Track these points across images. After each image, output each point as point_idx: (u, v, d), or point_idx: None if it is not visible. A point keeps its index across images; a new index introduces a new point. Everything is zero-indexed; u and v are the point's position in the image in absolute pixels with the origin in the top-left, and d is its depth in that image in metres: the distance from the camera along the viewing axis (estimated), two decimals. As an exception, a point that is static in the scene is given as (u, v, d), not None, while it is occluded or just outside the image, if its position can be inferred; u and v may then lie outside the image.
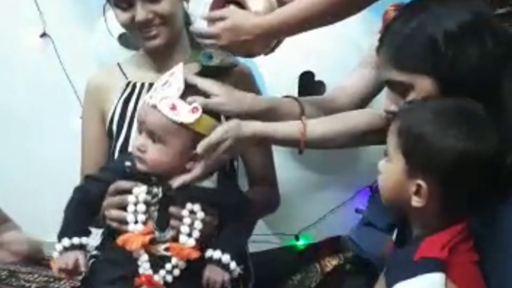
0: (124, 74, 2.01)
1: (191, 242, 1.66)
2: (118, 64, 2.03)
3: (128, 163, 1.71)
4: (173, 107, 1.63)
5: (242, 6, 1.74)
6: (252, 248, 2.02)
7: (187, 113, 1.63)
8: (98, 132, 2.01)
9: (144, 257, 1.66)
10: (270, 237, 2.43)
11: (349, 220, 2.38)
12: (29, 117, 2.72)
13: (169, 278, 1.66)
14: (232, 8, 1.72)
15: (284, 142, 1.73)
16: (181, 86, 1.64)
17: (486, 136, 1.42)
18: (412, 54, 1.53)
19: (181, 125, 1.64)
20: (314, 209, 2.27)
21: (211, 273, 1.65)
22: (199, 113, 1.64)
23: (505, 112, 1.50)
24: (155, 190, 1.68)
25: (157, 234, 1.67)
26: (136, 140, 1.69)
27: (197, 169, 1.66)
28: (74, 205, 1.73)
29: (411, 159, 1.44)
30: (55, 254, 1.68)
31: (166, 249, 1.66)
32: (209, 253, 1.66)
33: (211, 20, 1.71)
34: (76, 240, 1.67)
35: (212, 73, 1.72)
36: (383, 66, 1.59)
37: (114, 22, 1.99)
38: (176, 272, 1.66)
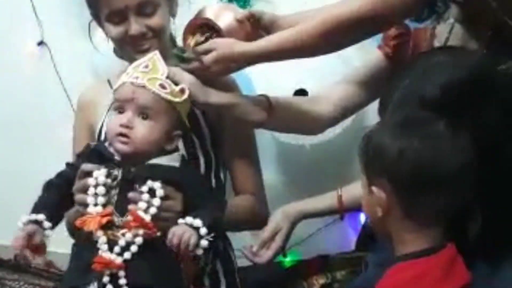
0: (112, 88, 2.01)
1: (147, 217, 1.62)
2: (108, 81, 2.03)
3: (93, 143, 1.74)
4: (163, 87, 1.67)
5: (212, 28, 1.78)
6: (239, 262, 2.02)
7: (176, 92, 1.68)
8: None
9: (103, 239, 1.61)
10: (258, 252, 2.44)
11: (338, 238, 2.39)
12: (23, 124, 2.75)
13: (127, 256, 1.61)
14: (215, 40, 1.73)
15: (326, 213, 1.95)
16: (165, 70, 1.69)
17: (440, 151, 1.39)
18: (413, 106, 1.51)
19: (171, 103, 1.67)
20: (303, 226, 2.26)
21: (177, 229, 1.60)
22: (186, 94, 1.69)
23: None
24: (115, 172, 1.66)
25: (116, 219, 1.64)
26: (117, 120, 1.67)
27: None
28: (45, 187, 1.73)
29: (368, 171, 1.45)
30: (16, 233, 1.66)
31: (123, 227, 1.63)
32: (179, 220, 1.62)
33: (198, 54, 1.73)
34: (32, 216, 1.66)
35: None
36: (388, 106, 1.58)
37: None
38: (134, 248, 1.61)
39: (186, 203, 1.67)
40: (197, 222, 1.60)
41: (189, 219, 1.60)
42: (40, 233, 1.66)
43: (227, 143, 1.95)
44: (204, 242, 1.60)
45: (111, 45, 1.99)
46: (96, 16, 1.95)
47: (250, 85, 2.27)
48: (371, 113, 1.86)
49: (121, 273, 1.60)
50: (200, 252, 1.61)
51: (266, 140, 2.25)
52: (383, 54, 1.86)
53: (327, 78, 2.04)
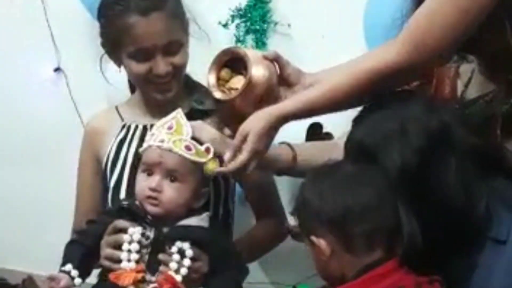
0: (120, 116, 2.04)
1: (178, 277, 1.67)
2: (116, 107, 2.05)
3: (125, 202, 1.78)
4: (189, 148, 1.70)
5: (239, 61, 1.72)
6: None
7: (201, 153, 1.71)
8: (93, 178, 2.03)
9: None
10: (267, 286, 2.42)
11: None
12: (38, 150, 2.76)
13: None
14: (246, 122, 1.64)
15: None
16: (189, 130, 1.72)
17: (351, 185, 1.51)
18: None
19: (197, 164, 1.71)
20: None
21: None
22: (211, 153, 1.71)
23: None
24: (147, 232, 1.71)
25: (147, 277, 1.68)
26: (146, 182, 1.72)
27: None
28: (70, 245, 1.78)
29: (304, 226, 1.55)
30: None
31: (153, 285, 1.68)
32: None
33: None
34: (67, 267, 1.71)
35: (201, 115, 1.83)
36: None
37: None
38: None
39: (210, 263, 1.72)
40: None
41: None
42: (68, 280, 1.69)
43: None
44: None
45: (123, 75, 1.99)
46: (114, 51, 1.94)
47: None
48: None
49: None
50: None
51: None
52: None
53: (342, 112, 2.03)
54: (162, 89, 1.92)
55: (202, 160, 1.71)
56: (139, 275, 1.67)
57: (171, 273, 1.67)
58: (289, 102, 1.65)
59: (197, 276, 1.70)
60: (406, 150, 1.49)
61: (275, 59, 1.73)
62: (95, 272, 1.82)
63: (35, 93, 2.78)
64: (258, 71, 1.68)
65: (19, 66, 2.79)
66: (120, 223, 1.72)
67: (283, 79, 1.74)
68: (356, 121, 1.62)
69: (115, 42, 1.93)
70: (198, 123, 1.74)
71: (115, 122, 2.02)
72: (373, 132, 1.54)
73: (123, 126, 2.01)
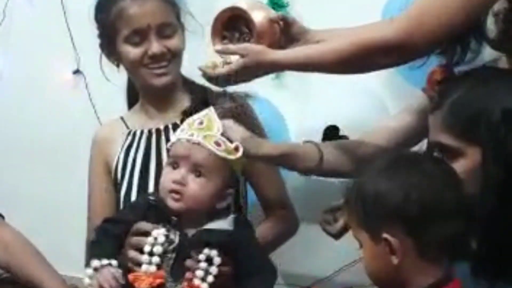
0: (126, 125, 2.05)
1: (205, 285, 1.64)
2: (121, 117, 2.07)
3: (152, 198, 1.74)
4: (218, 144, 1.68)
5: (241, 18, 1.76)
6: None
7: (231, 150, 1.68)
8: (104, 185, 2.03)
9: None
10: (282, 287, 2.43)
11: (363, 275, 2.37)
12: (57, 152, 2.78)
13: None
14: (246, 46, 1.72)
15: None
16: (220, 126, 1.69)
17: (437, 185, 1.42)
18: (465, 122, 1.54)
19: (226, 161, 1.68)
20: (327, 263, 2.26)
21: None
22: (240, 151, 1.69)
23: None
24: (172, 236, 1.68)
25: (169, 284, 1.66)
26: (170, 176, 1.69)
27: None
28: (97, 243, 1.74)
29: (369, 223, 1.43)
30: (86, 281, 1.68)
31: None
32: None
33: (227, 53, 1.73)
34: (105, 261, 1.68)
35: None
36: (434, 128, 1.61)
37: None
38: None
39: (237, 267, 1.69)
40: None
41: None
42: (113, 271, 1.67)
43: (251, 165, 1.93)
44: None
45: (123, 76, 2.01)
46: (111, 43, 1.98)
47: (282, 122, 2.30)
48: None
49: None
50: None
51: (294, 174, 2.23)
52: (427, 97, 1.81)
53: (358, 116, 2.05)
54: (158, 73, 1.94)
55: (231, 157, 1.68)
56: (157, 281, 1.64)
57: (197, 281, 1.63)
58: (288, 51, 1.71)
59: (222, 282, 1.67)
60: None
61: (281, 19, 1.77)
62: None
63: (54, 95, 2.79)
64: (259, 15, 1.74)
65: (38, 70, 2.80)
66: (143, 225, 1.70)
67: (289, 36, 1.79)
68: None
69: (111, 31, 1.97)
70: (230, 122, 1.73)
71: (121, 131, 2.04)
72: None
73: (129, 133, 2.03)
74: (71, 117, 2.76)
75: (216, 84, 1.74)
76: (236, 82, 1.72)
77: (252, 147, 1.71)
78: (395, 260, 1.40)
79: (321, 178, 2.29)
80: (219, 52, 1.75)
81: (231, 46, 1.73)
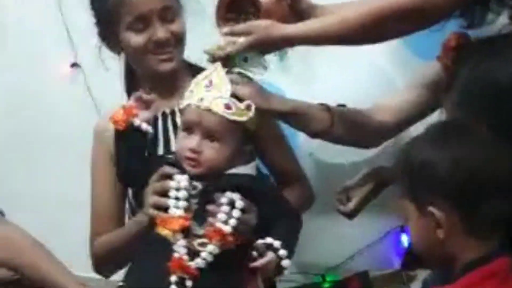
0: None
1: (227, 228, 1.64)
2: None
3: (170, 156, 1.75)
4: (228, 107, 1.66)
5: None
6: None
7: (242, 111, 1.67)
8: (109, 175, 1.98)
9: (182, 242, 1.64)
10: (295, 275, 2.39)
11: (378, 258, 2.33)
12: (55, 147, 2.77)
13: (201, 264, 1.64)
14: (252, 23, 1.69)
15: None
16: (229, 87, 1.68)
17: (490, 155, 1.35)
18: (478, 98, 1.50)
19: (237, 123, 1.67)
20: (342, 248, 2.23)
21: (263, 259, 1.66)
22: (252, 110, 1.68)
23: None
24: (194, 182, 1.68)
25: (194, 228, 1.66)
26: (185, 142, 1.69)
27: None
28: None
29: (417, 193, 1.37)
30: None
31: (203, 236, 1.65)
32: (259, 241, 1.66)
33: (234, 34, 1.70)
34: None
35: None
36: (449, 108, 1.58)
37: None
38: (209, 258, 1.64)
39: (260, 211, 1.69)
40: (277, 243, 1.66)
41: (269, 240, 1.66)
42: None
43: (260, 138, 1.91)
44: (285, 263, 1.67)
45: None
46: (112, 31, 1.94)
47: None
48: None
49: (189, 279, 1.62)
50: (280, 275, 1.68)
51: (304, 159, 2.21)
52: (442, 65, 1.78)
53: (367, 94, 2.01)
54: (162, 59, 1.91)
55: (243, 119, 1.67)
56: (187, 222, 1.64)
57: (219, 224, 1.63)
58: (299, 24, 1.67)
59: (246, 228, 1.66)
60: None
61: None
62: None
63: (52, 88, 2.79)
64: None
65: (35, 64, 2.79)
66: (167, 169, 1.70)
67: (297, 12, 1.76)
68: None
69: (112, 20, 1.93)
70: (238, 78, 1.70)
71: None
72: None
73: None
74: (71, 111, 2.75)
75: (224, 66, 1.71)
76: (245, 61, 1.70)
77: (262, 100, 1.69)
78: (441, 234, 1.34)
79: (330, 161, 2.30)
80: (226, 34, 1.71)
81: (237, 27, 1.71)
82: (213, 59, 1.71)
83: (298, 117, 1.73)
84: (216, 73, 1.69)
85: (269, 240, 1.67)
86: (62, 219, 2.73)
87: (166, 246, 1.65)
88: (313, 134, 1.79)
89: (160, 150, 1.94)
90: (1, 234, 1.88)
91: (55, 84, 2.77)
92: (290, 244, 1.69)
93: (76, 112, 2.72)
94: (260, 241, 1.66)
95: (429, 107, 1.82)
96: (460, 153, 1.34)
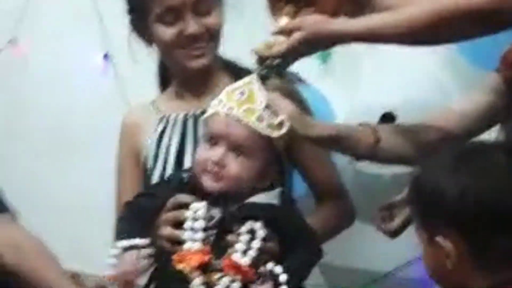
0: (158, 109, 1.95)
1: (246, 260, 1.54)
2: (152, 101, 1.98)
3: (185, 174, 1.64)
4: (261, 119, 1.57)
5: None
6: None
7: (275, 126, 1.58)
8: (135, 169, 1.92)
9: (199, 280, 1.53)
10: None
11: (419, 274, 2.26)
12: (88, 139, 2.76)
13: None
14: (302, 19, 1.61)
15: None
16: (263, 99, 1.58)
17: (504, 183, 1.27)
18: None
19: (267, 138, 1.58)
20: (381, 263, 2.13)
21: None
22: (285, 128, 1.58)
23: None
24: (213, 210, 1.58)
25: (212, 261, 1.55)
26: (208, 154, 1.59)
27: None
28: (127, 219, 1.65)
29: (426, 221, 1.33)
30: (111, 261, 1.58)
31: (221, 270, 1.55)
32: (261, 268, 1.57)
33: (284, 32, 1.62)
34: (132, 241, 1.58)
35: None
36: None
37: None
38: None
39: (280, 242, 1.59)
40: (283, 277, 1.56)
41: (277, 270, 1.56)
42: (142, 256, 1.59)
43: (299, 151, 1.84)
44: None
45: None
46: (142, 21, 1.88)
47: (329, 110, 2.20)
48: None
49: None
50: None
51: (343, 169, 2.12)
52: (502, 78, 1.68)
53: (416, 100, 1.92)
54: (195, 55, 1.83)
55: (274, 134, 1.57)
56: (206, 257, 1.54)
57: (237, 255, 1.53)
58: (351, 20, 1.59)
59: (267, 258, 1.57)
60: None
61: None
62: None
63: (83, 80, 2.77)
64: None
65: (67, 55, 2.78)
66: (183, 197, 1.60)
67: (356, 2, 1.67)
68: None
69: (142, 9, 1.86)
70: (276, 94, 1.61)
71: (151, 116, 1.94)
72: None
73: (162, 118, 1.93)
74: (102, 102, 2.73)
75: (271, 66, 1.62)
76: (294, 59, 1.61)
77: (300, 126, 1.59)
78: (449, 264, 1.29)
79: (370, 172, 2.20)
80: (276, 33, 1.63)
81: (287, 24, 1.62)
82: (261, 60, 1.61)
83: (340, 141, 1.63)
84: (251, 84, 1.60)
85: (277, 270, 1.57)
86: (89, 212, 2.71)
87: (183, 284, 1.54)
88: (357, 157, 1.70)
89: (188, 153, 1.86)
90: (8, 240, 1.84)
91: (86, 74, 2.77)
92: (297, 278, 1.60)
93: (107, 104, 2.69)
94: (267, 268, 1.56)
95: (480, 129, 1.71)
96: (469, 181, 1.28)
